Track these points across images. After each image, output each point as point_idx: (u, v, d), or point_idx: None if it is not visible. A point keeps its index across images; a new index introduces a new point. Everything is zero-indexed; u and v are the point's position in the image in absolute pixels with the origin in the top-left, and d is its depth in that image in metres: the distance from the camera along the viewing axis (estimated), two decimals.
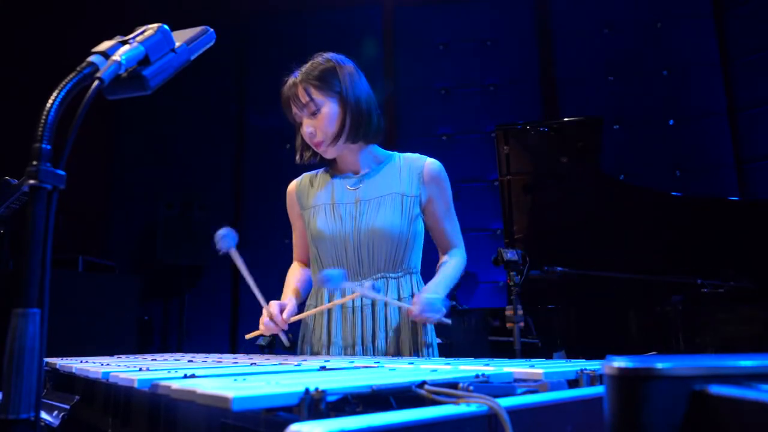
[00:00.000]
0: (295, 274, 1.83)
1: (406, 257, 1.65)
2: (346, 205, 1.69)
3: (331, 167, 1.81)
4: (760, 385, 0.43)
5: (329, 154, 1.69)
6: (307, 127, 1.65)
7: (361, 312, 1.65)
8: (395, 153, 1.78)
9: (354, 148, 1.71)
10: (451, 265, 1.71)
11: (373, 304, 1.65)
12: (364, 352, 1.63)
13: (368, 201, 1.67)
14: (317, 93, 1.62)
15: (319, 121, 1.63)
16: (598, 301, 3.51)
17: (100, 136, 5.71)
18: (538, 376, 0.78)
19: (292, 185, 1.87)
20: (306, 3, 5.70)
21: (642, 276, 3.16)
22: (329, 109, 1.63)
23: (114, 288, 4.49)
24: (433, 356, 1.67)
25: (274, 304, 1.60)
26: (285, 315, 1.58)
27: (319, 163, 1.80)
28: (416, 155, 1.75)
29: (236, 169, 5.65)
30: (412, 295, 1.64)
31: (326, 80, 1.63)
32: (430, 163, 1.71)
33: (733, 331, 3.09)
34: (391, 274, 1.64)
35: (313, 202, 1.75)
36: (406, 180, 1.68)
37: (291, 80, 1.67)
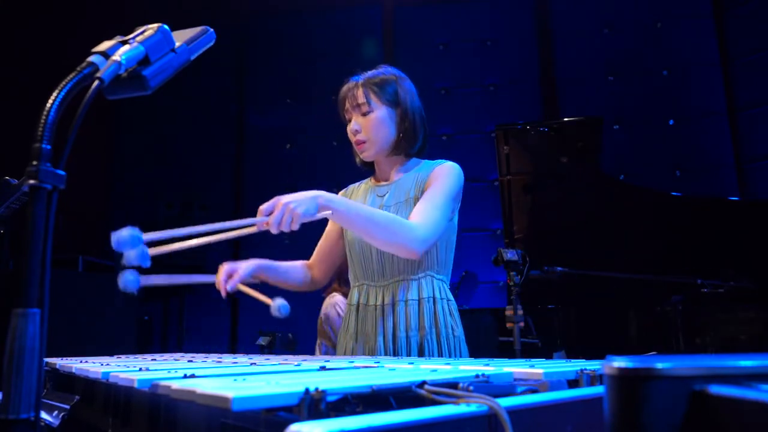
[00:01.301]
0: (292, 262, 1.87)
1: (424, 260, 1.67)
2: None
3: (371, 176, 1.89)
4: (760, 385, 0.43)
5: (367, 155, 1.76)
6: (355, 124, 1.72)
7: (382, 310, 1.68)
8: (423, 161, 1.81)
9: (392, 158, 1.78)
10: (383, 212, 1.59)
11: (393, 303, 1.67)
12: (386, 352, 1.64)
13: (389, 207, 1.73)
14: (374, 97, 1.70)
15: (367, 121, 1.71)
16: (598, 301, 3.51)
17: (100, 136, 5.71)
18: (538, 376, 0.78)
19: (340, 193, 1.94)
20: (306, 3, 5.70)
21: (642, 276, 3.16)
22: (380, 114, 1.70)
23: (114, 288, 4.47)
24: (462, 356, 1.67)
25: (222, 268, 1.64)
26: (229, 285, 1.61)
27: (365, 169, 1.88)
28: (435, 161, 1.78)
29: (236, 169, 5.65)
30: (433, 298, 1.67)
31: (385, 88, 1.71)
32: (439, 165, 1.73)
33: (733, 331, 3.09)
34: (411, 276, 1.68)
35: None
36: (420, 186, 1.71)
37: (352, 82, 1.75)
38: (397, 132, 1.73)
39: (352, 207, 1.51)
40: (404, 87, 1.75)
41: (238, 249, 5.23)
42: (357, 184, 1.94)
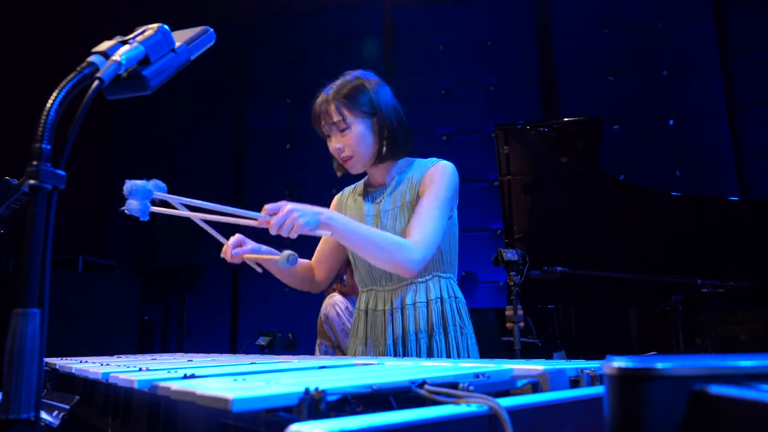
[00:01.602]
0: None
1: (429, 262, 1.67)
2: (372, 218, 1.75)
3: (366, 180, 1.87)
4: (760, 385, 0.43)
5: (356, 170, 1.74)
6: (336, 144, 1.69)
7: (391, 314, 1.68)
8: (415, 160, 1.79)
9: (381, 165, 1.76)
10: (382, 232, 1.58)
11: (402, 308, 1.67)
12: (395, 355, 1.65)
13: (386, 212, 1.72)
14: (348, 112, 1.66)
15: (347, 138, 1.67)
16: (598, 301, 3.50)
17: (100, 136, 5.71)
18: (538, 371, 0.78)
19: (336, 199, 1.94)
20: (306, 3, 5.70)
21: (642, 276, 3.16)
22: (358, 129, 1.67)
23: (114, 288, 4.49)
24: (471, 354, 1.68)
25: (234, 237, 1.66)
26: (236, 250, 1.64)
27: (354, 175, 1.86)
28: (427, 160, 1.76)
29: (236, 169, 5.65)
30: (440, 298, 1.67)
31: (356, 99, 1.67)
32: (433, 167, 1.71)
33: (733, 331, 3.09)
34: (418, 279, 1.68)
35: (348, 213, 1.82)
36: (415, 188, 1.70)
37: (322, 96, 1.70)
38: (378, 141, 1.69)
39: (351, 227, 1.51)
40: (376, 91, 1.70)
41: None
42: (352, 187, 1.92)
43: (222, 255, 1.65)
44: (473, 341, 1.71)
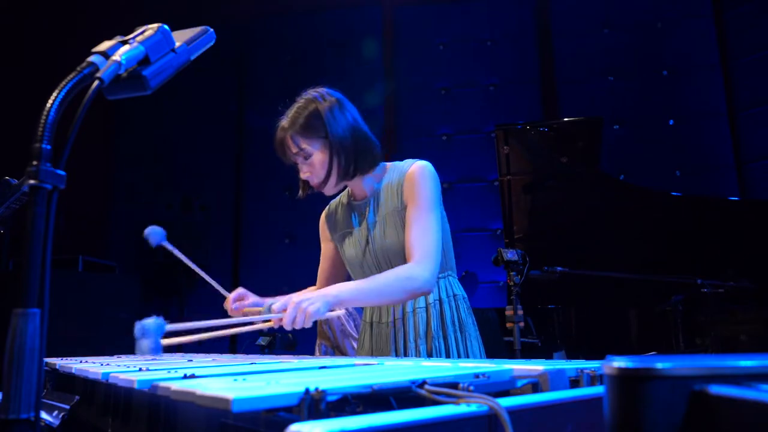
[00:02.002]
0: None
1: None
2: (360, 230, 1.76)
3: (349, 192, 1.85)
4: (760, 385, 0.43)
5: (329, 191, 1.74)
6: (303, 173, 1.70)
7: (394, 325, 1.70)
8: (391, 165, 1.77)
9: (355, 180, 1.73)
10: (386, 274, 1.57)
11: (404, 316, 1.69)
12: None
13: (374, 223, 1.73)
14: (304, 142, 1.65)
15: (311, 166, 1.67)
16: (598, 301, 3.50)
17: (100, 135, 5.71)
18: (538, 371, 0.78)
19: (323, 214, 1.94)
20: (306, 3, 5.70)
21: (642, 276, 3.16)
22: (319, 156, 1.66)
23: (114, 288, 4.49)
24: (471, 353, 1.69)
25: (235, 292, 1.72)
26: (236, 305, 1.70)
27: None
28: (404, 163, 1.73)
29: (236, 169, 5.65)
30: (439, 300, 1.68)
31: (311, 126, 1.64)
32: (410, 171, 1.68)
33: (733, 331, 3.09)
34: None
35: (338, 229, 1.84)
36: (395, 194, 1.69)
37: (279, 127, 1.69)
38: (342, 161, 1.66)
39: (358, 292, 1.52)
40: (331, 113, 1.66)
41: (238, 248, 5.23)
42: (336, 200, 1.90)
43: (225, 306, 1.70)
44: (475, 338, 1.71)
